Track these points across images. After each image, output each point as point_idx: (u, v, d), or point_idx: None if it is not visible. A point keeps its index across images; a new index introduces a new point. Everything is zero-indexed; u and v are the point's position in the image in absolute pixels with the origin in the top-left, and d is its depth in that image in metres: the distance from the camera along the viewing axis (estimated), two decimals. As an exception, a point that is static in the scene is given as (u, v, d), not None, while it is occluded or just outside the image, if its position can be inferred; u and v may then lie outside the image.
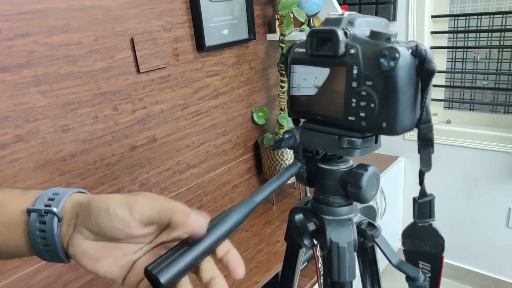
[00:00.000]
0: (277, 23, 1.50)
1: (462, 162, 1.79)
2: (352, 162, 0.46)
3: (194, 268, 0.33)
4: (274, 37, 1.55)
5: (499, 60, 1.70)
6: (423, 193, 0.43)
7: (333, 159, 0.46)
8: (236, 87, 1.49)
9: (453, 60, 1.80)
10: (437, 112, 1.87)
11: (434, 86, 1.84)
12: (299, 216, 0.48)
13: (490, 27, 1.68)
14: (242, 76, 1.51)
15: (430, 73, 0.36)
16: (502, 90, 1.73)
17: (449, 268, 1.90)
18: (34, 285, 0.99)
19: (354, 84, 0.38)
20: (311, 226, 0.46)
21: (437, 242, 0.45)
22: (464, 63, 1.78)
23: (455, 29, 1.76)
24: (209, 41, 1.30)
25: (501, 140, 1.66)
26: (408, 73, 0.36)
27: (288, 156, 1.51)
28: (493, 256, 1.82)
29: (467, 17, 1.71)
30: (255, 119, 1.57)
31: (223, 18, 1.35)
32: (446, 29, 1.75)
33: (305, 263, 1.32)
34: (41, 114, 0.96)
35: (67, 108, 1.01)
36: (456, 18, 1.73)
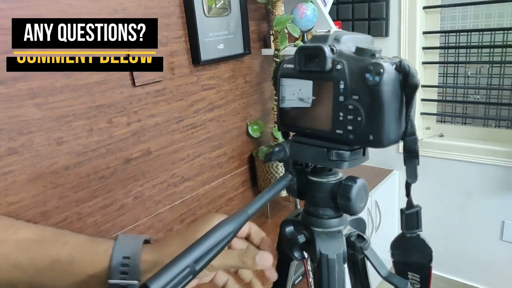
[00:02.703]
0: (271, 38, 1.53)
1: (455, 175, 1.80)
2: (341, 174, 0.46)
3: None
4: (269, 52, 1.58)
5: (490, 75, 1.73)
6: (410, 204, 0.43)
7: (322, 171, 0.46)
8: (231, 100, 1.51)
9: (445, 75, 1.83)
10: (430, 126, 1.89)
11: (427, 100, 1.86)
12: (289, 229, 0.49)
13: (480, 43, 1.72)
14: (237, 90, 1.53)
15: (414, 87, 0.37)
16: (493, 105, 1.76)
17: (443, 281, 1.89)
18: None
19: (341, 98, 0.39)
20: (301, 239, 0.47)
21: (425, 253, 0.45)
22: (455, 78, 1.82)
23: (446, 45, 1.79)
24: (204, 55, 1.32)
25: (492, 153, 1.68)
26: (393, 87, 0.37)
27: (283, 169, 1.51)
28: (487, 269, 1.82)
29: (458, 34, 1.75)
30: (250, 132, 1.58)
31: (218, 33, 1.38)
32: (438, 45, 1.79)
33: (300, 278, 1.31)
34: (35, 127, 0.96)
35: (62, 121, 1.01)
36: (447, 34, 1.77)
